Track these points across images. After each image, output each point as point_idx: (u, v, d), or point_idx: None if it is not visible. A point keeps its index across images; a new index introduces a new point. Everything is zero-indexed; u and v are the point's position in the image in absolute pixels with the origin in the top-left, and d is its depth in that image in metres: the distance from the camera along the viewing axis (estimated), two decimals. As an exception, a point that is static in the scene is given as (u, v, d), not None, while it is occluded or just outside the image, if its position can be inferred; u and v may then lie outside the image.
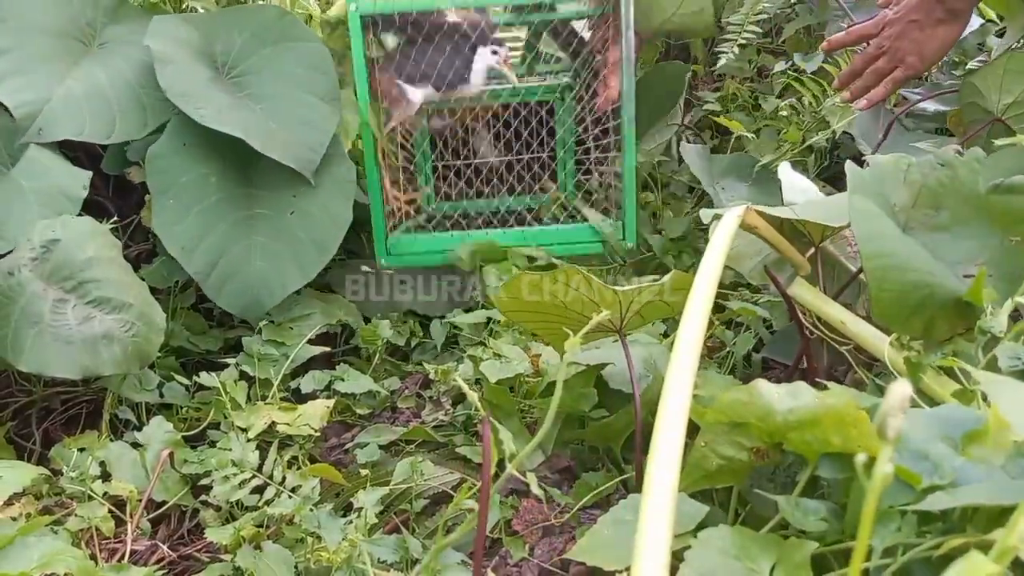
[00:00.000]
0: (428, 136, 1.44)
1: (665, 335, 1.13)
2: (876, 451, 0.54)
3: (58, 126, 1.08)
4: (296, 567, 0.77)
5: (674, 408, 0.51)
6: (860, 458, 0.37)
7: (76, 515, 0.82)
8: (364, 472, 0.94)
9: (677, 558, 0.52)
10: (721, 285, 1.00)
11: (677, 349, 0.56)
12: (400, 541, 0.77)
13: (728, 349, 1.15)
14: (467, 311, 1.30)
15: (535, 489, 0.60)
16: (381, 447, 1.00)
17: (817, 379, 0.81)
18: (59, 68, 1.12)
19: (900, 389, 0.35)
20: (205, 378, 1.04)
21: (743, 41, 1.52)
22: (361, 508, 0.80)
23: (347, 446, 1.03)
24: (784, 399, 0.58)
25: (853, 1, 1.62)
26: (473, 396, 0.57)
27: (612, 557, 0.63)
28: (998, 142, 0.95)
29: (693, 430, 0.59)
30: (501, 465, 0.60)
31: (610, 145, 1.30)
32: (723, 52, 1.51)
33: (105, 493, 0.85)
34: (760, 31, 1.55)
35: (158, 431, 0.95)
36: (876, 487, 0.34)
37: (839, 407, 0.55)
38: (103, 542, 0.83)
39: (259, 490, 0.89)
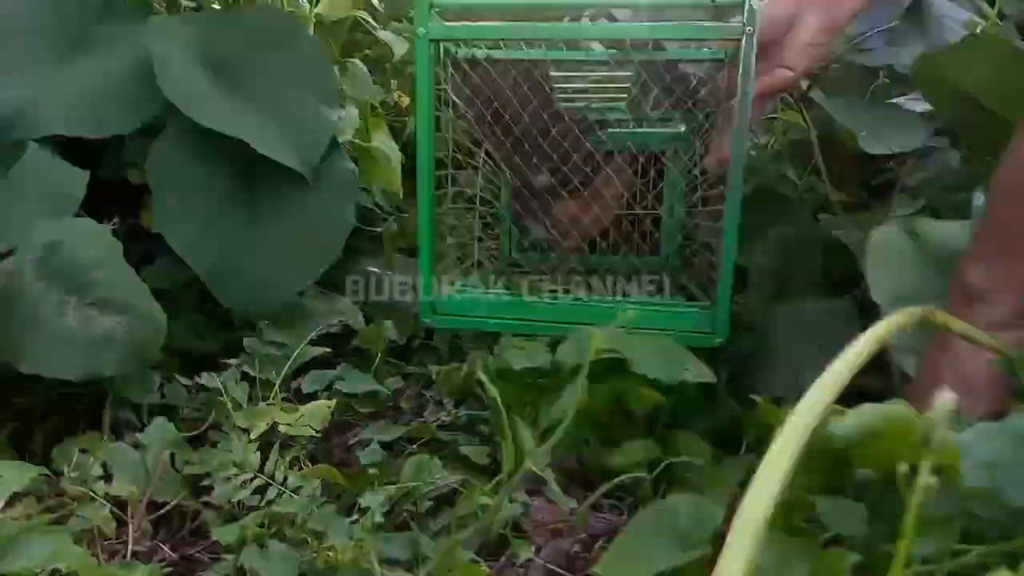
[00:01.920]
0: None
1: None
2: (944, 459, 0.53)
3: (46, 122, 1.08)
4: (300, 567, 0.77)
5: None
6: (901, 468, 0.37)
7: (78, 515, 0.82)
8: (371, 471, 0.94)
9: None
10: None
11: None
12: (411, 537, 0.77)
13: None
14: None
15: (552, 486, 0.60)
16: (383, 446, 1.00)
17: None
18: (48, 66, 1.12)
19: (945, 399, 0.35)
20: (206, 379, 1.03)
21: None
22: (366, 508, 0.79)
23: (349, 444, 1.02)
24: (840, 420, 0.56)
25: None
26: (493, 389, 0.56)
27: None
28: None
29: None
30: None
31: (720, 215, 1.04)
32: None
33: (106, 494, 0.85)
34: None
35: (159, 432, 0.94)
36: (917, 496, 0.33)
37: (901, 415, 0.53)
38: (105, 543, 0.83)
39: (261, 491, 0.89)
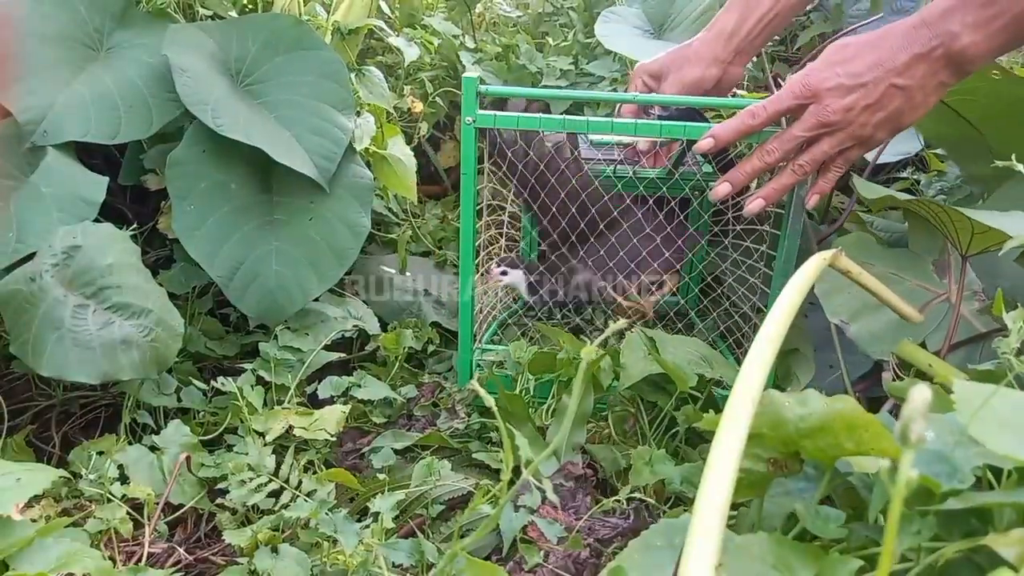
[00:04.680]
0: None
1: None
2: (890, 453, 0.54)
3: (63, 128, 1.09)
4: (312, 570, 0.78)
5: (734, 430, 0.49)
6: (883, 463, 0.37)
7: (95, 517, 0.83)
8: (381, 476, 0.95)
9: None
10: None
11: (742, 375, 0.54)
12: (416, 544, 0.78)
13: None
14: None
15: (551, 496, 0.60)
16: (396, 452, 1.00)
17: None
18: (66, 73, 1.14)
19: (921, 394, 0.35)
20: (222, 383, 1.04)
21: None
22: (377, 513, 0.80)
23: (363, 451, 1.03)
24: (794, 407, 0.58)
25: (867, 9, 1.62)
26: (490, 400, 0.57)
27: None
28: (1000, 164, 0.92)
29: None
30: (516, 472, 0.61)
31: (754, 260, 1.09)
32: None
33: (123, 496, 0.86)
34: (776, 38, 1.56)
35: (175, 435, 0.96)
36: (900, 492, 0.34)
37: (848, 412, 0.55)
38: (121, 544, 0.84)
39: (275, 494, 0.90)
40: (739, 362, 1.08)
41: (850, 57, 0.87)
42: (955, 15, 0.82)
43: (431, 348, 1.28)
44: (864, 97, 0.86)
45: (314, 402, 1.09)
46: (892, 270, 0.99)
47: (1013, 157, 0.81)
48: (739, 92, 1.44)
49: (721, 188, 0.96)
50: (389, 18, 1.72)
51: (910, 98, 0.86)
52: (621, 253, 1.13)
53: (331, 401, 1.08)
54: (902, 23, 0.86)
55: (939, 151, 1.42)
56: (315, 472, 0.97)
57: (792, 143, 0.91)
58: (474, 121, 0.99)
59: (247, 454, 0.94)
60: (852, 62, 0.86)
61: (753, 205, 0.96)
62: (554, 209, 1.14)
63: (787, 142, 0.91)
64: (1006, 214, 0.84)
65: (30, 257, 0.98)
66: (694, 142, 0.95)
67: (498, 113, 1.00)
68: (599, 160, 1.29)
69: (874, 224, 1.18)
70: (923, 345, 0.94)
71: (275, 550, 0.79)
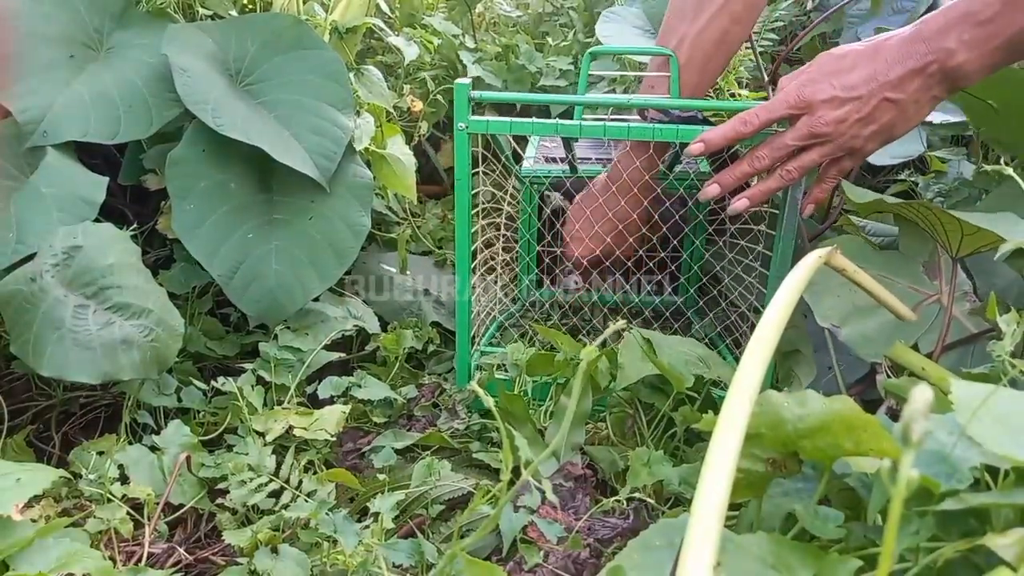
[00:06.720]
0: (535, 220, 1.34)
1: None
2: (889, 453, 0.54)
3: (62, 128, 1.09)
4: (312, 571, 0.78)
5: (730, 429, 0.49)
6: (885, 463, 0.37)
7: (95, 517, 0.83)
8: (381, 476, 0.95)
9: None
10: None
11: (739, 374, 0.54)
12: (415, 544, 0.78)
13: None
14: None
15: (550, 496, 0.60)
16: (397, 452, 1.01)
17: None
18: (65, 74, 1.14)
19: (922, 394, 0.35)
20: (223, 383, 1.04)
21: (760, 49, 1.52)
22: (377, 513, 0.80)
23: (363, 451, 1.03)
24: (793, 407, 0.58)
25: (867, 9, 1.62)
26: (489, 401, 0.57)
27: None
28: (990, 168, 0.92)
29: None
30: (516, 472, 0.61)
31: (752, 261, 1.10)
32: (741, 60, 1.51)
33: (123, 496, 0.86)
34: (776, 38, 1.56)
35: (176, 435, 0.96)
36: (900, 492, 0.34)
37: (847, 412, 0.55)
38: (121, 544, 0.84)
39: (275, 494, 0.90)
40: (738, 362, 1.08)
41: (845, 68, 0.87)
42: (952, 32, 0.82)
43: (431, 348, 1.28)
44: (857, 110, 0.87)
45: (314, 402, 1.09)
46: (883, 273, 0.99)
47: (1002, 160, 0.81)
48: (739, 94, 1.44)
49: (710, 189, 0.98)
50: (389, 18, 1.72)
51: (902, 111, 0.87)
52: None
53: (331, 401, 1.08)
54: (898, 35, 0.87)
55: (939, 153, 1.42)
56: (315, 472, 0.97)
57: (783, 151, 0.92)
58: (467, 127, 1.00)
59: (247, 454, 0.94)
60: (847, 74, 0.87)
61: (738, 204, 0.97)
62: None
63: (777, 149, 0.92)
64: (995, 215, 0.85)
65: (30, 257, 0.98)
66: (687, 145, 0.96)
67: (490, 119, 1.01)
68: (594, 160, 1.30)
69: (867, 228, 1.18)
70: (916, 347, 0.94)
71: (275, 550, 0.79)
